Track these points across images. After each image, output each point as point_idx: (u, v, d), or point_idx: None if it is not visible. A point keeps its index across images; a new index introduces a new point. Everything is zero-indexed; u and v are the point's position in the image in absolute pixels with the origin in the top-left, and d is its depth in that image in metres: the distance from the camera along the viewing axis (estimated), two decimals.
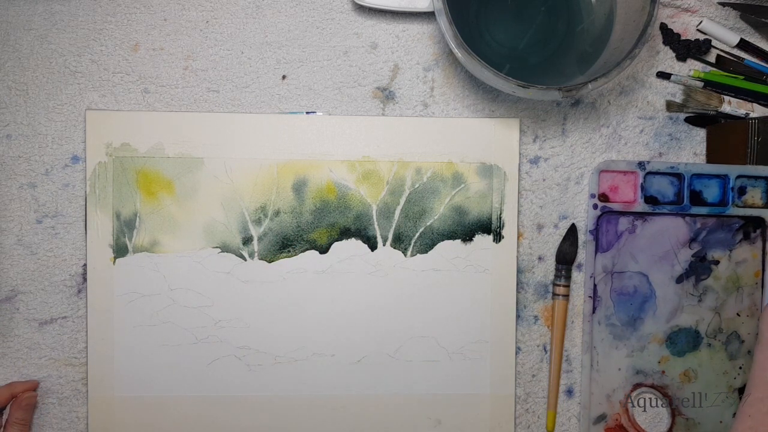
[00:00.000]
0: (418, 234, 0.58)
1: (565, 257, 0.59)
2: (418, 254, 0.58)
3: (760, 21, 0.59)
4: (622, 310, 0.59)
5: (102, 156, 0.56)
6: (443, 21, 0.49)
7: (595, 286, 0.59)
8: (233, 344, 0.57)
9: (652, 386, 0.60)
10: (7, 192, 0.56)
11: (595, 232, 0.59)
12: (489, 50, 0.55)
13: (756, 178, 0.59)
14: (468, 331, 0.58)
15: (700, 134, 0.61)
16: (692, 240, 0.60)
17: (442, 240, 0.58)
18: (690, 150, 0.60)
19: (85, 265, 0.56)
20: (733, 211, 0.59)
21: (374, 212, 0.57)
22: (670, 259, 0.60)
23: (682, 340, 0.60)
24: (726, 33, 0.60)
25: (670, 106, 0.60)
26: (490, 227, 0.58)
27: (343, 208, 0.57)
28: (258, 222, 0.57)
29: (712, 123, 0.60)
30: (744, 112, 0.58)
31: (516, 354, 0.59)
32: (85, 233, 0.56)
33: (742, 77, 0.59)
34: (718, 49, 0.60)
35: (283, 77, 0.58)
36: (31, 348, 0.56)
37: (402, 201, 0.57)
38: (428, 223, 0.58)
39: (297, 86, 0.58)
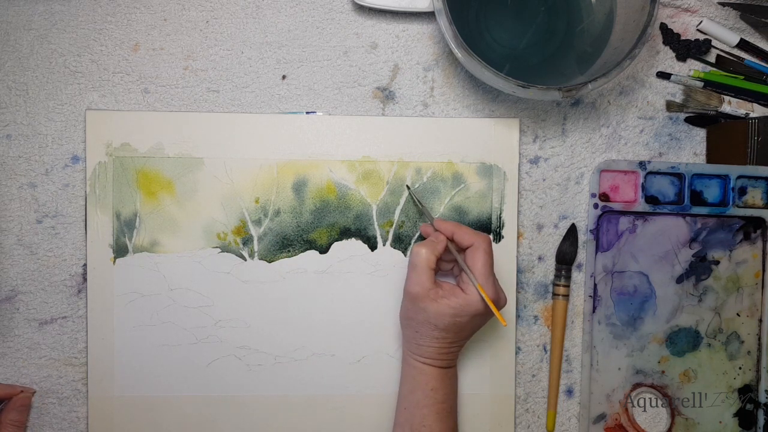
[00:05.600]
0: (418, 234, 0.58)
1: (565, 257, 0.59)
2: None
3: (760, 21, 0.59)
4: (622, 309, 0.59)
5: (102, 156, 0.56)
6: (443, 21, 0.49)
7: (595, 285, 0.59)
8: (233, 344, 0.57)
9: (652, 386, 0.60)
10: (7, 192, 0.56)
11: (596, 232, 0.59)
12: (489, 50, 0.55)
13: (756, 178, 0.59)
14: None
15: (700, 134, 0.61)
16: (692, 240, 0.60)
17: None
18: (690, 150, 0.60)
19: (85, 265, 0.56)
20: (733, 211, 0.59)
21: (374, 212, 0.57)
22: (671, 259, 0.60)
23: (682, 340, 0.60)
24: (726, 33, 0.60)
25: (670, 106, 0.60)
26: (490, 227, 0.58)
27: (343, 208, 0.57)
28: (258, 222, 0.57)
29: (712, 123, 0.60)
30: (744, 112, 0.58)
31: (516, 354, 0.59)
32: (85, 233, 0.56)
33: (742, 77, 0.59)
34: (718, 49, 0.60)
35: (283, 77, 0.58)
36: (31, 348, 0.56)
37: (402, 201, 0.57)
38: (428, 223, 0.57)
39: (297, 86, 0.58)
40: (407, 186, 0.57)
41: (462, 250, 0.52)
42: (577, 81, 0.51)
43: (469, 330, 0.52)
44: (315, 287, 0.57)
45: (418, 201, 0.56)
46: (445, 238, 0.52)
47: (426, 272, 0.50)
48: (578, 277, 0.60)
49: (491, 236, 0.58)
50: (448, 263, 0.55)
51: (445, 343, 0.51)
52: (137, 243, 0.56)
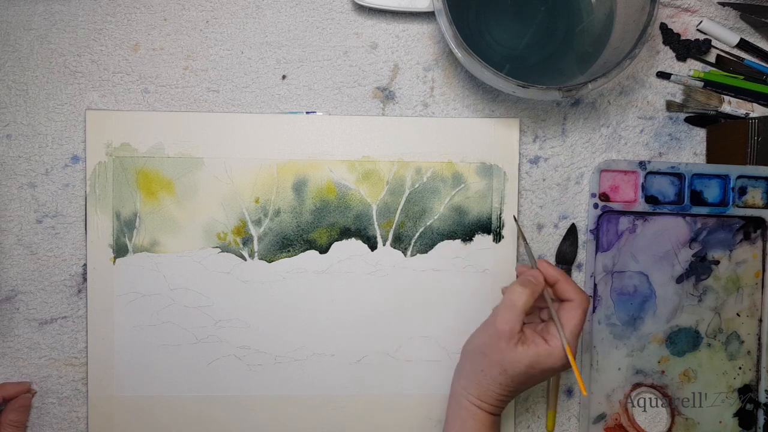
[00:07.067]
0: (418, 234, 0.58)
1: (565, 257, 0.59)
2: (418, 254, 0.57)
3: (760, 21, 0.59)
4: (622, 309, 0.59)
5: (102, 156, 0.56)
6: (443, 21, 0.49)
7: (595, 285, 0.59)
8: (233, 344, 0.57)
9: (652, 386, 0.60)
10: (7, 192, 0.56)
11: (596, 232, 0.59)
12: (489, 50, 0.55)
13: (756, 178, 0.59)
14: (468, 331, 0.57)
15: (700, 134, 0.61)
16: (692, 240, 0.60)
17: (442, 240, 0.58)
18: (690, 150, 0.60)
19: (85, 265, 0.56)
20: (733, 211, 0.59)
21: (374, 212, 0.57)
22: (671, 259, 0.60)
23: (682, 340, 0.60)
24: (726, 33, 0.60)
25: (670, 106, 0.60)
26: (490, 227, 0.58)
27: (343, 208, 0.57)
28: (258, 222, 0.57)
29: (712, 123, 0.60)
30: (744, 112, 0.58)
31: None
32: (85, 233, 0.56)
33: (742, 77, 0.59)
34: (718, 49, 0.60)
35: (283, 77, 0.58)
36: (31, 348, 0.56)
37: (402, 201, 0.57)
38: (428, 223, 0.58)
39: (297, 86, 0.58)
40: (514, 216, 0.56)
41: (558, 300, 0.50)
42: (577, 81, 0.51)
43: (533, 383, 0.49)
44: (315, 287, 0.57)
45: (524, 238, 0.54)
46: (543, 282, 0.49)
47: (521, 315, 0.47)
48: (578, 277, 0.60)
49: (491, 237, 0.58)
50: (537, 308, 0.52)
51: (507, 390, 0.48)
52: (137, 243, 0.56)
